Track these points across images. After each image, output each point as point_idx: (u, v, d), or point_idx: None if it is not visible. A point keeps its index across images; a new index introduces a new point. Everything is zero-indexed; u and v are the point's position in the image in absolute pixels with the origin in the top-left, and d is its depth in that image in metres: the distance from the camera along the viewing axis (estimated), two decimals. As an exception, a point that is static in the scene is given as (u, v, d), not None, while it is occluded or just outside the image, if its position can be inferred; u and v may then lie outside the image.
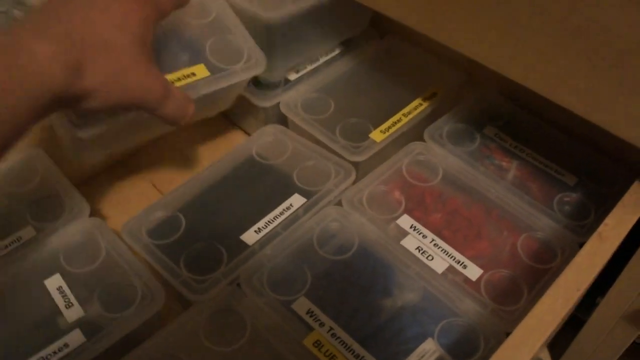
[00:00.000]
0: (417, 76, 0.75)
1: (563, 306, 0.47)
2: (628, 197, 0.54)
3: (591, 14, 0.47)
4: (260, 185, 0.64)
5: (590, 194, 0.63)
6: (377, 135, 0.67)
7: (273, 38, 0.67)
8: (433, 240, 0.58)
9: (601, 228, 0.52)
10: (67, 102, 0.43)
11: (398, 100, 0.71)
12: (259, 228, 0.59)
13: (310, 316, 0.52)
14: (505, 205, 0.61)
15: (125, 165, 0.76)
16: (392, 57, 0.78)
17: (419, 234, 0.58)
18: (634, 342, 0.64)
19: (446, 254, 0.57)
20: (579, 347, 0.66)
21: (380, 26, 0.82)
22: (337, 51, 0.77)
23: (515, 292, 0.55)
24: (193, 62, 0.61)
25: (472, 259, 0.57)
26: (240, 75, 0.62)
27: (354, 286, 0.55)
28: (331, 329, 0.52)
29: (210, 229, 0.60)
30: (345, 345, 0.51)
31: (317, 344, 0.51)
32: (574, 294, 0.48)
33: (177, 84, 0.57)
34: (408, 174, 0.63)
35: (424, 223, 0.59)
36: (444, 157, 0.65)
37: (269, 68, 0.67)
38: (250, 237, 0.58)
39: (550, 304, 0.47)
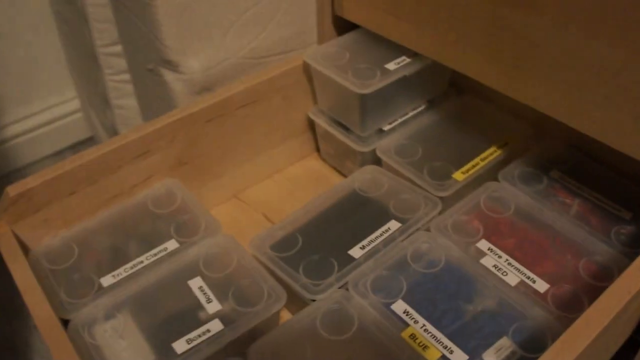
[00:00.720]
0: (491, 128, 0.87)
1: (615, 306, 0.57)
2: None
3: (636, 71, 0.59)
4: (362, 213, 0.77)
5: (643, 227, 0.73)
6: (458, 175, 0.79)
7: (366, 107, 0.82)
8: (507, 259, 0.69)
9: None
10: None
11: (475, 148, 0.84)
12: (363, 245, 0.72)
13: (407, 315, 0.64)
14: (568, 234, 0.72)
15: (239, 199, 0.91)
16: (469, 112, 0.91)
17: (495, 255, 0.70)
18: (632, 338, 0.72)
19: (518, 271, 0.68)
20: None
21: (458, 85, 0.95)
22: (422, 107, 0.91)
23: (577, 303, 0.65)
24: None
25: (540, 275, 0.68)
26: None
27: (441, 293, 0.67)
28: (424, 325, 0.64)
29: (323, 245, 0.73)
30: (435, 338, 0.62)
31: (412, 337, 0.63)
32: (625, 297, 0.58)
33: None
34: (485, 207, 0.75)
35: (498, 246, 0.71)
36: (515, 194, 0.77)
37: (362, 129, 0.83)
38: (356, 252, 0.71)
39: (604, 304, 0.57)
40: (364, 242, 0.72)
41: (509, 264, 0.69)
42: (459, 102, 0.93)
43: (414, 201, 0.77)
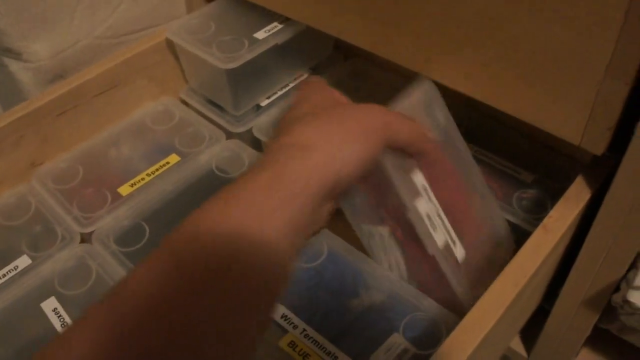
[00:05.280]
0: (382, 94, 0.79)
1: (512, 290, 0.51)
2: (570, 192, 0.59)
3: (523, 25, 0.52)
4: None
5: (546, 190, 0.67)
6: (344, 150, 0.71)
7: (235, 82, 0.73)
8: None
9: (546, 220, 0.56)
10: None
11: (364, 117, 0.76)
12: None
13: (285, 320, 0.57)
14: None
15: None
16: (357, 77, 0.83)
17: None
18: (599, 327, 0.68)
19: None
20: (547, 335, 0.70)
21: (344, 48, 0.87)
22: (305, 75, 0.83)
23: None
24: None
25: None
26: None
27: (324, 290, 0.59)
28: (304, 330, 0.56)
29: None
30: (318, 344, 0.55)
31: (292, 345, 0.55)
32: (522, 280, 0.52)
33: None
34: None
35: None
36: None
37: (235, 107, 0.74)
38: None
39: (500, 288, 0.51)
40: None
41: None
42: (345, 67, 0.84)
43: None
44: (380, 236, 0.58)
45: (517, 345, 0.75)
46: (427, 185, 0.54)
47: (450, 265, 0.54)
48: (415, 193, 0.52)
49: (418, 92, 0.56)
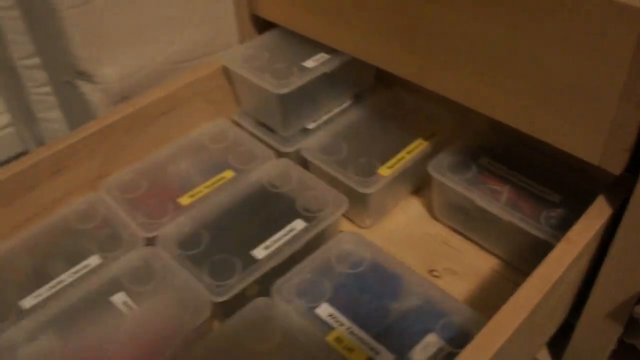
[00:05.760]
0: (418, 120, 0.86)
1: (536, 296, 0.56)
2: (593, 208, 0.64)
3: (544, 57, 0.59)
4: (269, 209, 0.75)
5: (573, 209, 0.72)
6: (384, 170, 0.78)
7: (286, 107, 0.80)
8: None
9: (569, 233, 0.62)
10: None
11: (402, 142, 0.82)
12: (267, 245, 0.70)
13: (332, 318, 0.63)
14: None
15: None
16: (396, 105, 0.90)
17: None
18: (624, 342, 0.73)
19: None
20: (573, 349, 0.74)
21: (386, 79, 0.94)
22: (348, 102, 0.90)
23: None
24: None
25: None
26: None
27: (367, 294, 0.65)
28: (349, 327, 0.62)
29: (227, 244, 0.71)
30: (361, 340, 0.61)
31: (338, 340, 0.61)
32: (546, 286, 0.57)
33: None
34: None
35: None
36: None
37: (284, 129, 0.82)
38: (259, 252, 0.70)
39: (525, 294, 0.57)
40: (268, 242, 0.70)
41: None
42: (385, 96, 0.91)
43: (321, 198, 0.75)
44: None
45: (545, 358, 0.79)
46: None
47: None
48: None
49: None
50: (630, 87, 0.54)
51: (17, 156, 1.48)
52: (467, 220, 0.79)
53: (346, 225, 0.82)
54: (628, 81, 0.54)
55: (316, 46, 0.83)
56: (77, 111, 0.88)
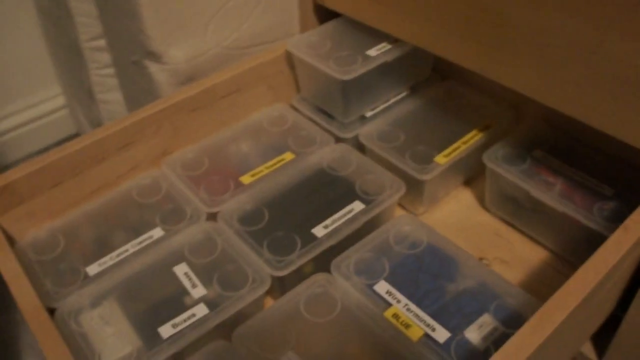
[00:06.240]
0: (474, 112, 0.88)
1: (593, 278, 0.58)
2: (650, 199, 0.66)
3: (613, 49, 0.60)
4: (329, 191, 0.78)
5: (626, 202, 0.74)
6: (440, 159, 0.80)
7: (347, 93, 0.83)
8: None
9: (626, 222, 0.63)
10: None
11: (458, 132, 0.84)
12: (326, 225, 0.73)
13: (389, 295, 0.65)
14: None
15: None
16: (451, 97, 0.92)
17: None
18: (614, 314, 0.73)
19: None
20: (619, 342, 0.75)
21: (441, 71, 0.96)
22: (405, 93, 0.92)
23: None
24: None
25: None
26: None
27: (424, 274, 0.67)
28: (406, 304, 0.64)
29: (287, 221, 0.74)
30: (418, 317, 0.63)
31: (395, 316, 0.63)
32: (601, 273, 0.58)
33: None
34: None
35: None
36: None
37: (345, 115, 0.84)
38: (319, 231, 0.72)
39: (582, 276, 0.58)
40: (327, 222, 0.73)
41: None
42: (441, 88, 0.93)
43: (379, 182, 0.78)
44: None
45: (590, 351, 0.80)
46: None
47: None
48: None
49: None
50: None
51: (70, 138, 1.53)
52: (518, 211, 0.80)
53: (399, 212, 0.84)
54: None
55: (378, 36, 0.86)
56: (140, 92, 0.91)
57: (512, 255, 0.79)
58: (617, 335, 0.75)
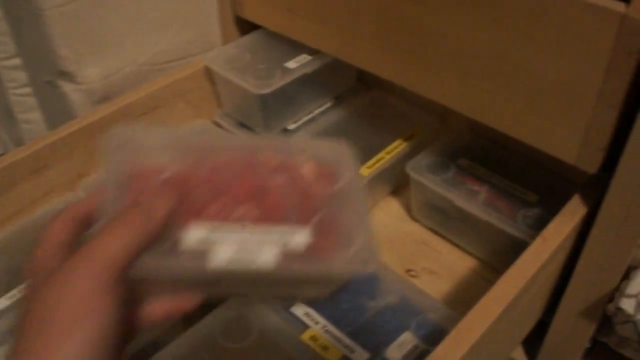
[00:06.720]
0: (398, 121, 0.86)
1: (511, 292, 0.57)
2: (568, 207, 0.65)
3: (526, 59, 0.59)
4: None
5: (549, 209, 0.73)
6: (363, 170, 0.78)
7: (267, 107, 0.81)
8: None
9: (544, 231, 0.62)
10: None
11: (382, 143, 0.83)
12: None
13: (307, 317, 0.63)
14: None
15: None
16: (376, 107, 0.90)
17: None
18: (599, 341, 0.73)
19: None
20: (548, 347, 0.75)
21: (366, 81, 0.95)
22: (329, 104, 0.90)
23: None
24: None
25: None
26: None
27: (344, 292, 0.66)
28: (325, 326, 0.62)
29: None
30: (336, 338, 0.61)
31: (313, 339, 0.61)
32: (521, 282, 0.58)
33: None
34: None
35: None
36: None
37: (265, 129, 0.83)
38: None
39: (501, 289, 0.57)
40: None
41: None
42: (366, 98, 0.92)
43: None
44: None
45: (520, 356, 0.79)
46: (203, 234, 0.47)
47: (301, 261, 0.48)
48: (199, 255, 0.46)
49: (110, 154, 0.51)
50: (607, 88, 0.55)
51: (-5, 158, 1.48)
52: (445, 221, 0.79)
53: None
54: (605, 82, 0.55)
55: (298, 47, 0.84)
56: (57, 112, 0.88)
57: (440, 265, 0.78)
58: (546, 340, 0.75)
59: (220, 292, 0.55)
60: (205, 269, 0.46)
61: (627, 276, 0.64)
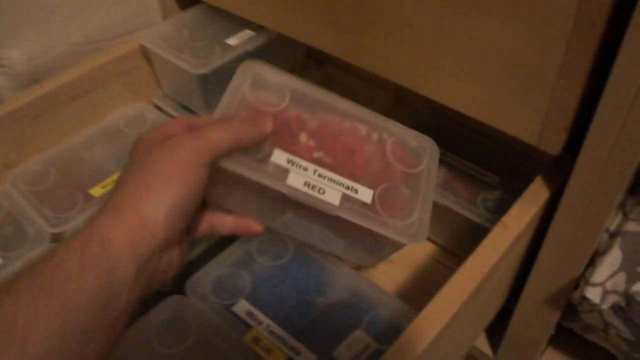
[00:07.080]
0: (352, 99, 0.81)
1: (470, 285, 0.52)
2: (529, 191, 0.60)
3: (479, 32, 0.54)
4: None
5: (510, 191, 0.69)
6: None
7: (206, 87, 0.75)
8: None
9: (504, 218, 0.58)
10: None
11: (335, 121, 0.77)
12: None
13: (250, 316, 0.58)
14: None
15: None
16: (328, 84, 0.84)
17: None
18: (566, 328, 0.70)
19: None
20: (512, 334, 0.71)
21: (316, 57, 0.89)
22: (277, 81, 0.84)
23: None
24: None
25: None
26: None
27: (289, 288, 0.61)
28: (269, 326, 0.57)
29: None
30: (281, 339, 0.56)
31: (255, 341, 0.56)
32: (479, 275, 0.53)
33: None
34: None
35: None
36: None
37: (206, 110, 0.77)
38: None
39: (458, 283, 0.53)
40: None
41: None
42: (317, 74, 0.86)
43: None
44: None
45: (484, 345, 0.76)
46: (291, 157, 0.52)
47: (359, 212, 0.52)
48: (281, 173, 0.51)
49: (239, 79, 0.57)
50: (569, 62, 0.50)
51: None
52: (401, 205, 0.75)
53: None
54: (566, 55, 0.50)
55: (241, 23, 0.78)
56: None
57: (397, 253, 0.73)
58: (509, 327, 0.72)
59: (280, 226, 0.57)
60: (282, 183, 0.50)
61: (592, 263, 0.60)
